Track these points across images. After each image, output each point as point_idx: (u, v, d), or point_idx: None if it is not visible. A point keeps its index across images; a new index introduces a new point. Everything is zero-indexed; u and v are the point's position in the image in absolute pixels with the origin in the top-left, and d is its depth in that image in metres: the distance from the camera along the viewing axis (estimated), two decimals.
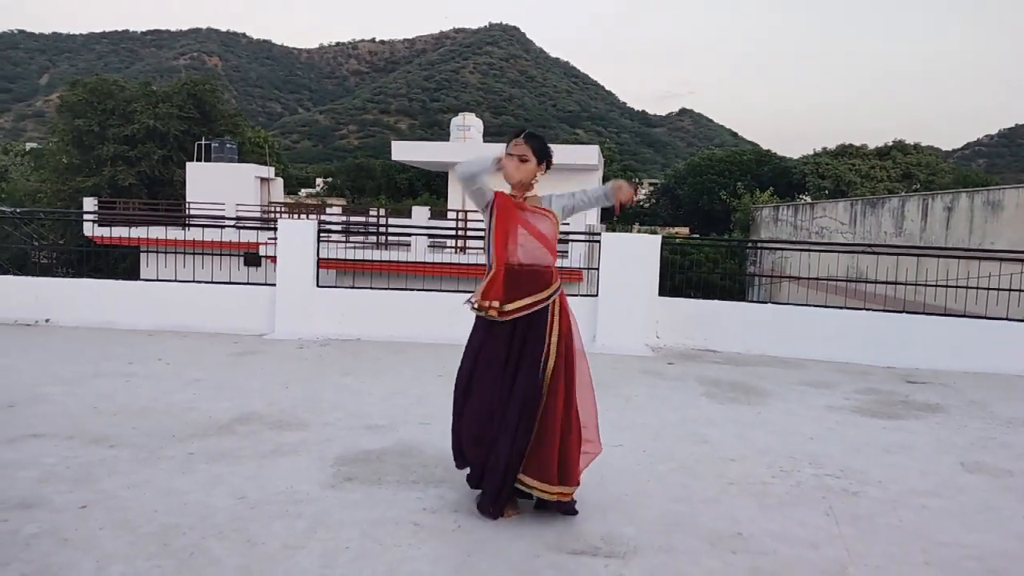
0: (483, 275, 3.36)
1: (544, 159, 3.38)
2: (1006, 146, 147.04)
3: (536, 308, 3.28)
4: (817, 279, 9.98)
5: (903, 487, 3.89)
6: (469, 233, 15.07)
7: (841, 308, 8.16)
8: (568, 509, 3.32)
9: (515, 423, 3.20)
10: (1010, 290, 7.89)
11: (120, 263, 27.92)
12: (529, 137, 3.37)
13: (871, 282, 9.58)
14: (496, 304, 3.25)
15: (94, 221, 25.68)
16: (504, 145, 3.40)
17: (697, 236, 33.98)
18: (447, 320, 7.84)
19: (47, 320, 8.00)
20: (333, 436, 4.39)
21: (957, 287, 8.53)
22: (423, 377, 6.07)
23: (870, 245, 10.25)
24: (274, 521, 3.17)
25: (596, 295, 7.83)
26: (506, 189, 3.43)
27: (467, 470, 3.44)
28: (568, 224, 15.47)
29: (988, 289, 8.16)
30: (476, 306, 3.31)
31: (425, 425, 4.69)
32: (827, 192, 40.95)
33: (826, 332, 7.69)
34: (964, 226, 18.55)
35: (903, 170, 41.72)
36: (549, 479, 3.20)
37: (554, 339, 3.28)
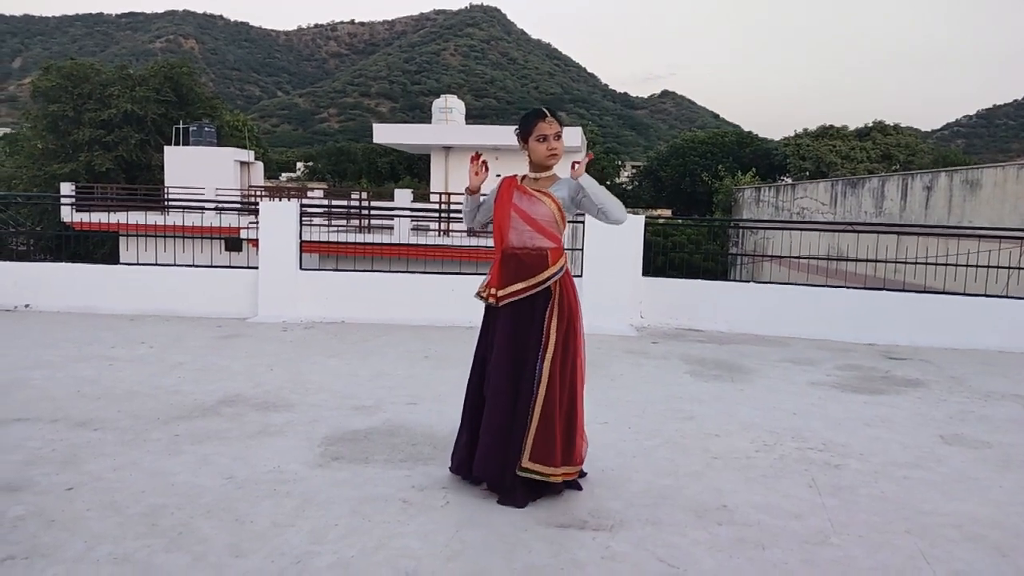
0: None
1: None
2: (984, 126, 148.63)
3: (531, 292, 3.22)
4: (798, 258, 10.06)
5: (884, 459, 3.95)
6: (452, 216, 15.02)
7: (822, 286, 8.23)
8: (572, 485, 3.34)
9: (512, 414, 3.19)
10: (988, 267, 8.00)
11: (99, 249, 27.59)
12: (555, 113, 3.30)
13: (852, 260, 9.67)
14: (493, 291, 3.27)
15: (72, 206, 25.34)
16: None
17: (679, 218, 34.00)
18: (432, 302, 7.88)
19: (27, 305, 7.91)
20: (320, 417, 4.40)
21: (936, 264, 8.64)
22: (409, 358, 6.07)
23: (851, 223, 10.33)
24: (262, 500, 3.17)
25: (580, 275, 7.82)
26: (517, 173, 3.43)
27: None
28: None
29: (967, 266, 8.27)
30: (481, 294, 3.34)
31: (412, 405, 4.70)
32: (808, 173, 41.15)
33: (808, 310, 7.76)
34: (943, 205, 18.74)
35: (883, 151, 41.97)
36: (553, 462, 3.17)
37: (554, 324, 3.20)
